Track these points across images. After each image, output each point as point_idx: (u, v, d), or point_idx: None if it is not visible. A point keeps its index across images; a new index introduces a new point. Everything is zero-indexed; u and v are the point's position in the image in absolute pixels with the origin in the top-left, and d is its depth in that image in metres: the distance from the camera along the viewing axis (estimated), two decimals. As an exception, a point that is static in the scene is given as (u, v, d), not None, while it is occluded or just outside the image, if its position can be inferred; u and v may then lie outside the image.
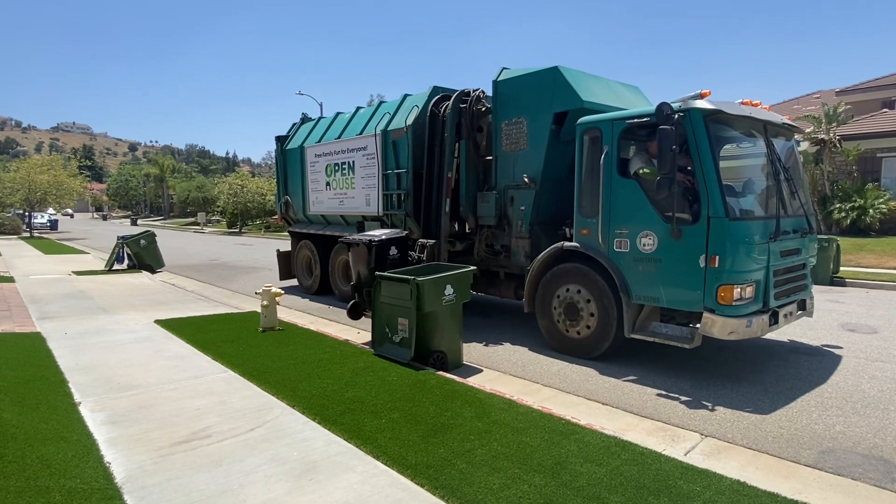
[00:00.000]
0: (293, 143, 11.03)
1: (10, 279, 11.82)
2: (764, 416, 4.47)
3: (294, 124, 11.63)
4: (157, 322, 7.45)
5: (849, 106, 21.53)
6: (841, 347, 6.51)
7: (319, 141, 10.12)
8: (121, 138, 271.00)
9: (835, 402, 4.78)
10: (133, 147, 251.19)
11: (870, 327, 7.54)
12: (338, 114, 10.33)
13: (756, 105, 5.67)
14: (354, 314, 6.63)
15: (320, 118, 11.32)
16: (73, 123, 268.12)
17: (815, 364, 5.87)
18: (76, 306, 8.72)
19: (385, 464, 3.36)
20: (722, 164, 5.20)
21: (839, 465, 3.62)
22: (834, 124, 18.73)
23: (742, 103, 5.54)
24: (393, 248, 6.55)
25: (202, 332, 6.83)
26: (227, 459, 3.40)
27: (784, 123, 5.89)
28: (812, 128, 18.73)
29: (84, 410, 4.19)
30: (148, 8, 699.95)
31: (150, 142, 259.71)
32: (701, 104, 5.08)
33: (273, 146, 12.01)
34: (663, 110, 4.93)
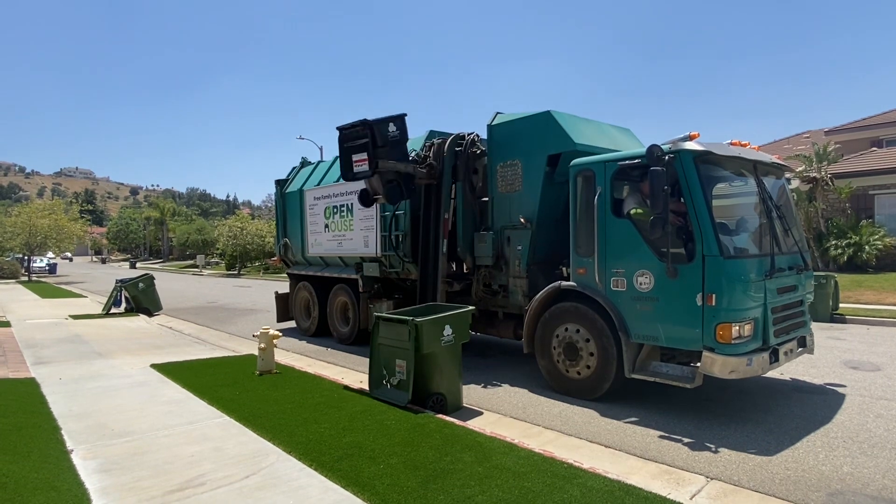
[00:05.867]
0: (293, 187, 11.19)
1: (7, 323, 11.74)
2: (770, 457, 4.39)
3: (294, 168, 11.82)
4: (153, 366, 7.37)
5: (838, 145, 21.95)
6: (844, 385, 6.44)
7: (318, 184, 10.29)
8: (123, 182, 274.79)
9: (841, 441, 4.70)
10: (135, 191, 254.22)
11: (873, 364, 7.48)
12: (337, 157, 10.52)
13: (745, 145, 5.80)
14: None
15: (319, 162, 11.53)
16: (76, 168, 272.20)
17: (819, 403, 5.79)
18: (72, 351, 8.64)
19: (383, 511, 3.28)
20: (714, 203, 5.28)
21: (848, 508, 3.54)
22: (825, 163, 19.07)
23: (731, 144, 5.67)
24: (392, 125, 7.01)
25: (198, 377, 6.75)
26: (220, 509, 3.32)
27: (773, 162, 6.01)
28: (803, 166, 19.05)
29: (76, 458, 4.11)
30: (151, 55, 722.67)
31: (152, 186, 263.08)
32: (690, 145, 5.20)
33: (273, 189, 12.20)
34: (654, 152, 5.04)
